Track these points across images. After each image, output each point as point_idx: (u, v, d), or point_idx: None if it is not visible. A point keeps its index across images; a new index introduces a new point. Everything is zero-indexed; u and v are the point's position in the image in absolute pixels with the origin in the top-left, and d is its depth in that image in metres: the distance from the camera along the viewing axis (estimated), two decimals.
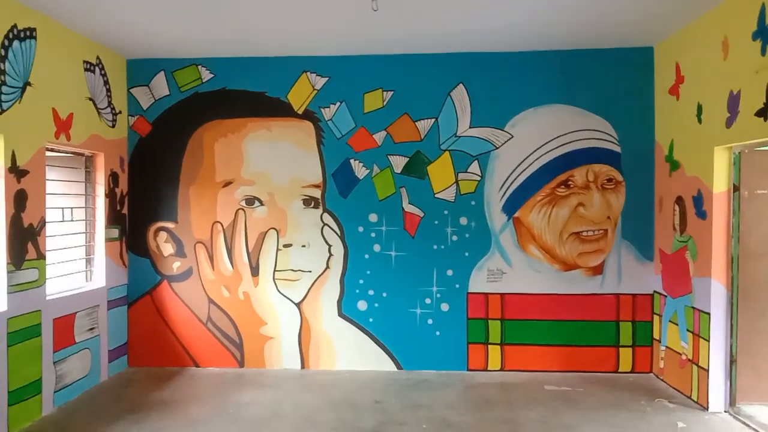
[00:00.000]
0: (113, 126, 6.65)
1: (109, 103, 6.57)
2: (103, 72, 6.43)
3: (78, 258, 6.26)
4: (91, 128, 6.19)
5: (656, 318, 6.60)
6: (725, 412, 5.44)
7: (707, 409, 5.48)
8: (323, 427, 5.18)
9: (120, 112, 6.79)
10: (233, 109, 6.90)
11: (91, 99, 6.20)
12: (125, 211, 6.93)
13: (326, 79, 6.84)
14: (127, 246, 6.96)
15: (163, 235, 6.97)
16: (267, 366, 6.90)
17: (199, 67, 6.91)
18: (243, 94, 6.90)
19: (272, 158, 6.86)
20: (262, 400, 5.90)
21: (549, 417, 5.40)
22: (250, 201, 6.90)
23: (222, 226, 6.92)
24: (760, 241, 5.37)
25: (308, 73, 6.85)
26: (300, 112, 6.86)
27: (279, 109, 6.87)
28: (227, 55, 6.80)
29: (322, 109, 6.85)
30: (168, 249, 6.97)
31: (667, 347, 6.32)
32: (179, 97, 6.94)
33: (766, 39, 4.65)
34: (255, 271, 6.90)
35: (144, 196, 6.97)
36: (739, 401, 5.43)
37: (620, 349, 6.70)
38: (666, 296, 6.35)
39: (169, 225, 6.97)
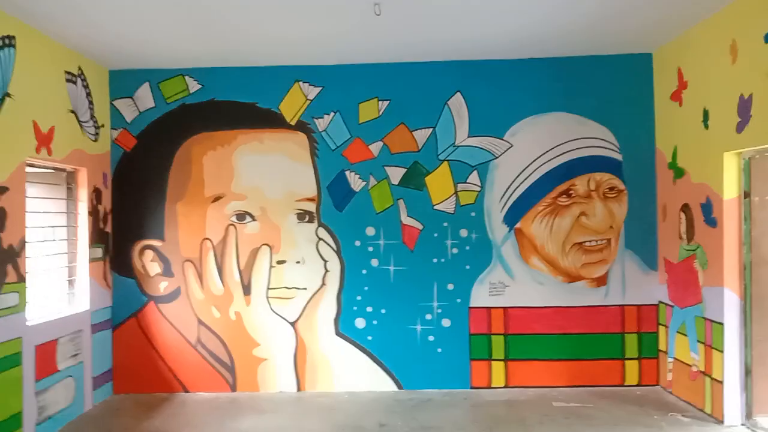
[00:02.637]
0: (96, 140, 6.32)
1: (92, 116, 6.24)
2: (85, 83, 6.11)
3: (60, 280, 5.89)
4: (73, 142, 5.86)
5: (662, 329, 6.45)
6: (742, 425, 5.28)
7: (723, 423, 5.32)
8: None
9: (102, 126, 6.47)
10: (222, 121, 6.61)
11: (73, 111, 5.87)
12: (108, 229, 6.57)
13: (319, 88, 6.60)
14: (111, 266, 6.60)
15: (149, 253, 6.63)
16: (261, 389, 6.58)
17: (186, 77, 6.62)
18: (232, 105, 6.62)
19: (264, 171, 6.58)
20: (262, 427, 5.58)
21: None
22: (242, 216, 6.60)
23: (212, 243, 6.60)
24: None
25: (301, 83, 6.61)
26: (293, 123, 6.61)
27: (270, 120, 6.61)
28: (215, 65, 6.53)
29: (315, 120, 6.60)
30: (155, 268, 6.63)
31: (675, 359, 6.16)
32: (165, 109, 6.63)
33: None
34: (247, 289, 6.59)
35: (129, 213, 6.63)
36: (755, 413, 5.28)
37: (626, 361, 6.53)
38: (673, 306, 6.20)
39: (156, 243, 6.63)
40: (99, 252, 6.33)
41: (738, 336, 5.29)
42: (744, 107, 4.98)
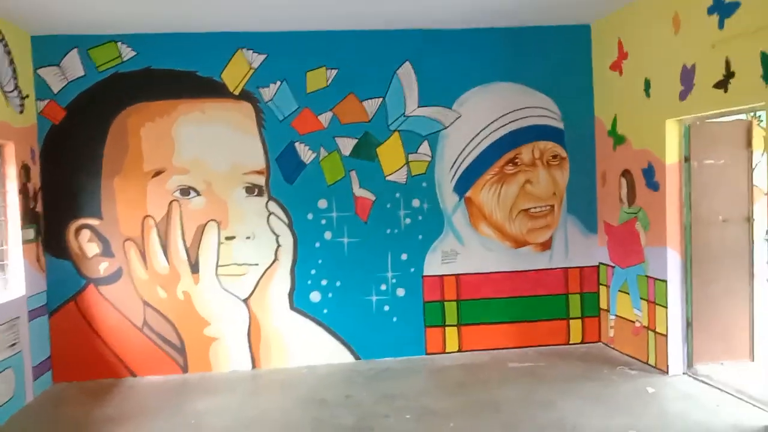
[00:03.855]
0: (21, 111, 5.79)
1: (16, 85, 5.70)
2: (7, 49, 5.56)
3: None
4: None
5: (603, 289, 6.80)
6: (684, 374, 5.69)
7: (667, 373, 5.70)
8: (303, 429, 4.84)
9: (27, 96, 5.93)
10: (160, 90, 6.24)
11: None
12: (39, 208, 6.08)
13: (264, 56, 6.35)
14: (43, 248, 6.12)
15: (85, 233, 6.21)
16: (213, 369, 6.38)
17: (119, 44, 6.18)
18: (170, 74, 6.25)
19: (208, 143, 6.29)
20: (222, 406, 5.42)
21: (526, 394, 5.38)
22: (185, 191, 6.29)
23: (154, 220, 6.27)
24: (709, 209, 5.62)
25: (244, 50, 6.33)
26: (236, 92, 6.33)
27: (212, 89, 6.30)
28: (151, 30, 6.13)
29: (260, 90, 6.36)
30: (92, 249, 6.22)
31: (617, 316, 6.52)
32: (96, 78, 6.17)
33: (723, 13, 4.82)
34: (195, 267, 6.32)
35: (61, 190, 6.16)
36: (695, 362, 5.70)
37: (570, 321, 6.85)
38: (614, 267, 6.55)
39: (93, 222, 6.22)
40: (31, 233, 5.85)
41: (680, 292, 5.66)
42: (687, 76, 5.26)
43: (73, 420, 5.19)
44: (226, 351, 6.39)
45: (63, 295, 6.19)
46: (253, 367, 6.43)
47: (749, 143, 5.67)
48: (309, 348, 6.49)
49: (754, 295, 5.70)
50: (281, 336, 6.46)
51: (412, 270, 6.61)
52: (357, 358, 6.56)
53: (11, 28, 5.68)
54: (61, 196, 6.16)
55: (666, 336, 5.72)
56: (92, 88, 6.16)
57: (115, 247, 6.23)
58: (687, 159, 5.59)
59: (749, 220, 5.69)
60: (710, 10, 4.95)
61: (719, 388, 5.26)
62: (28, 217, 5.81)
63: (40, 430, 5.03)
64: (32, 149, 5.98)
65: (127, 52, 6.18)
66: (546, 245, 6.80)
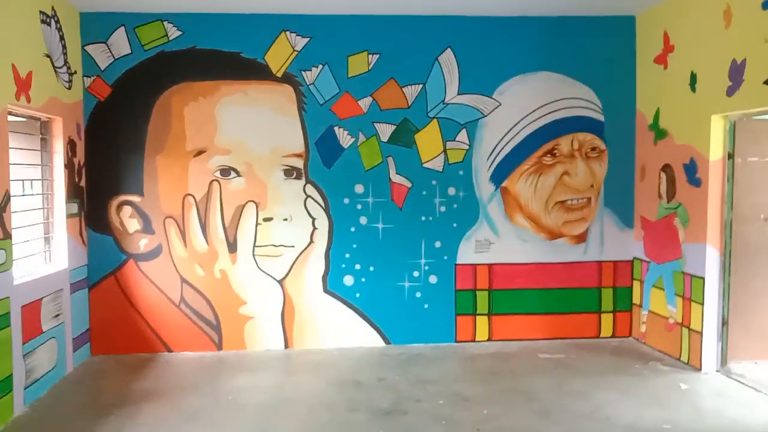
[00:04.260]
0: (69, 87, 5.89)
1: (65, 61, 5.80)
2: (58, 25, 5.65)
3: (38, 237, 5.53)
4: (49, 89, 5.44)
5: (636, 283, 6.77)
6: (717, 371, 5.67)
7: (700, 370, 5.68)
8: (338, 409, 4.91)
9: (75, 72, 6.03)
10: (204, 70, 6.30)
11: (48, 56, 5.43)
12: (83, 183, 6.20)
13: (307, 39, 6.38)
14: (85, 222, 6.25)
15: (127, 209, 6.32)
16: (248, 348, 6.48)
17: (165, 23, 6.24)
18: (215, 54, 6.31)
19: (249, 125, 6.35)
20: (259, 384, 5.51)
21: (558, 384, 5.40)
22: (226, 171, 6.37)
23: (194, 199, 6.36)
24: (751, 206, 5.57)
25: (287, 33, 6.36)
26: (279, 75, 6.38)
27: (256, 71, 6.35)
28: (197, 10, 6.19)
29: (303, 73, 6.40)
30: (133, 225, 6.33)
31: (650, 311, 6.50)
32: (142, 57, 6.25)
33: None
34: (232, 247, 6.41)
35: (104, 166, 6.27)
36: (728, 360, 5.67)
37: (602, 314, 6.84)
38: (649, 262, 6.51)
39: (134, 198, 6.33)
40: (75, 207, 5.97)
41: (717, 289, 5.63)
42: (736, 71, 5.20)
43: (113, 392, 5.32)
44: (261, 330, 6.49)
45: (103, 270, 6.32)
46: (286, 347, 6.52)
47: None
48: (341, 331, 6.57)
49: None
50: (314, 318, 6.54)
51: (445, 258, 6.64)
52: (387, 342, 6.62)
53: (62, 4, 5.76)
54: (105, 172, 6.27)
55: (701, 333, 5.69)
56: (138, 66, 6.24)
57: (155, 224, 6.34)
58: (731, 155, 5.53)
59: None
60: (765, 5, 4.87)
61: (753, 387, 5.24)
62: (72, 191, 5.92)
63: (81, 401, 5.15)
64: (78, 125, 6.08)
65: (173, 32, 6.25)
66: (581, 238, 6.78)
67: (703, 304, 5.66)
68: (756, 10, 4.95)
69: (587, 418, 4.69)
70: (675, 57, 6.06)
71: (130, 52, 6.23)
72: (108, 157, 6.26)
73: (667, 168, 6.18)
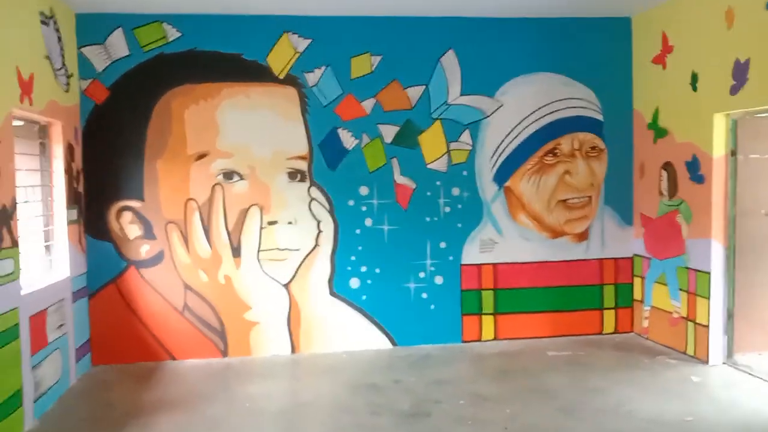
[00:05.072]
0: (67, 90, 5.71)
1: (63, 63, 5.62)
2: (56, 27, 5.47)
3: (37, 245, 5.34)
4: (50, 92, 5.27)
5: (637, 280, 6.88)
6: (723, 364, 5.79)
7: (707, 363, 5.80)
8: (360, 412, 4.86)
9: (72, 75, 5.84)
10: (205, 73, 6.18)
11: (48, 57, 5.25)
12: (81, 189, 6.01)
13: (309, 41, 6.32)
14: (84, 229, 6.06)
15: (127, 215, 6.15)
16: (254, 354, 6.36)
17: (164, 24, 6.11)
18: (215, 56, 6.20)
19: (252, 128, 6.25)
20: (273, 389, 5.42)
21: (574, 381, 5.44)
22: (229, 175, 6.26)
23: (197, 203, 6.23)
24: (753, 202, 5.71)
25: (289, 34, 6.29)
26: (281, 77, 6.29)
27: (257, 73, 6.26)
28: (196, 11, 6.07)
29: (305, 74, 6.33)
30: (134, 231, 6.16)
31: (652, 307, 6.61)
32: (141, 59, 6.10)
33: None
34: (236, 251, 6.29)
35: (103, 171, 6.09)
36: (734, 353, 5.79)
37: (604, 311, 6.92)
38: (650, 259, 6.62)
39: (135, 204, 6.16)
40: (74, 214, 5.78)
41: (723, 283, 5.75)
42: (740, 71, 5.33)
43: (124, 402, 5.15)
44: (267, 335, 6.38)
45: (103, 277, 6.14)
46: (293, 351, 6.43)
47: None
48: (347, 334, 6.50)
49: None
50: (321, 321, 6.47)
51: (451, 258, 6.64)
52: (394, 344, 6.59)
53: (58, 5, 5.58)
54: (103, 177, 6.09)
55: (707, 326, 5.80)
56: (136, 68, 6.09)
57: (156, 230, 6.19)
58: (733, 152, 5.67)
59: None
60: None
61: (761, 378, 5.36)
62: (71, 197, 5.74)
63: (93, 412, 4.98)
64: (76, 129, 5.90)
65: (173, 33, 6.12)
66: (583, 236, 6.86)
67: (708, 298, 5.78)
68: (760, 11, 5.08)
69: (611, 413, 4.73)
70: (674, 57, 6.18)
71: (128, 53, 6.07)
72: (107, 162, 6.09)
73: (668, 166, 6.29)
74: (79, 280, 5.85)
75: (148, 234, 6.18)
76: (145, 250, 6.18)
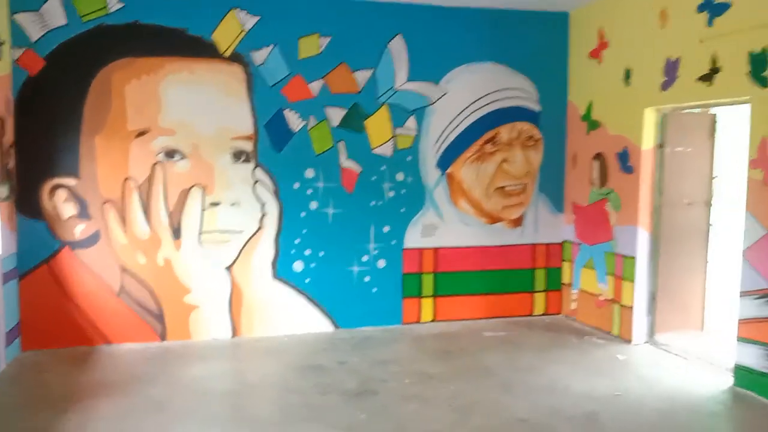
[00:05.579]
0: None
1: None
2: None
3: None
4: None
5: (566, 264, 7.24)
6: (645, 343, 6.21)
7: (630, 342, 6.20)
8: (308, 392, 4.91)
9: (3, 43, 5.51)
10: (148, 46, 5.98)
11: None
12: (12, 164, 5.71)
13: (257, 18, 6.22)
14: (15, 207, 5.76)
15: (61, 193, 5.89)
16: (193, 338, 6.26)
17: None
18: (159, 29, 6.00)
19: (196, 105, 6.11)
20: (217, 371, 5.39)
21: (510, 360, 5.70)
22: (170, 153, 6.10)
23: (136, 182, 6.04)
24: (677, 192, 6.13)
25: (236, 10, 6.17)
26: (227, 54, 6.18)
27: (202, 49, 6.11)
28: None
29: (252, 53, 6.24)
30: (69, 210, 5.91)
31: (580, 290, 6.98)
32: (80, 29, 5.83)
33: (712, 12, 5.24)
34: (177, 233, 6.16)
35: (36, 146, 5.80)
36: (655, 333, 6.23)
37: (535, 294, 7.25)
38: (580, 244, 6.99)
39: (69, 181, 5.91)
40: (5, 191, 5.48)
41: (647, 268, 6.16)
42: (671, 68, 5.69)
43: (61, 386, 4.98)
44: (207, 319, 6.29)
45: (35, 258, 5.86)
46: (234, 335, 6.38)
47: (712, 134, 6.21)
48: (290, 317, 6.51)
49: (707, 272, 6.30)
50: (263, 305, 6.44)
51: (393, 242, 6.76)
52: (336, 327, 6.65)
53: None
54: (37, 152, 5.80)
55: (632, 308, 6.21)
56: (74, 38, 5.81)
57: (92, 209, 5.96)
58: (661, 145, 6.05)
59: (708, 204, 6.25)
60: (700, 8, 5.36)
61: (680, 355, 5.80)
62: (2, 173, 5.44)
63: (29, 398, 4.78)
64: (7, 99, 5.58)
65: (114, 3, 5.87)
66: (518, 222, 7.14)
67: (633, 281, 6.18)
68: (691, 12, 5.44)
69: (547, 390, 5.00)
70: (610, 53, 6.51)
71: (65, 23, 5.78)
72: (40, 137, 5.80)
73: (599, 156, 6.64)
74: (8, 260, 5.56)
75: (84, 213, 5.94)
76: (79, 230, 5.94)
